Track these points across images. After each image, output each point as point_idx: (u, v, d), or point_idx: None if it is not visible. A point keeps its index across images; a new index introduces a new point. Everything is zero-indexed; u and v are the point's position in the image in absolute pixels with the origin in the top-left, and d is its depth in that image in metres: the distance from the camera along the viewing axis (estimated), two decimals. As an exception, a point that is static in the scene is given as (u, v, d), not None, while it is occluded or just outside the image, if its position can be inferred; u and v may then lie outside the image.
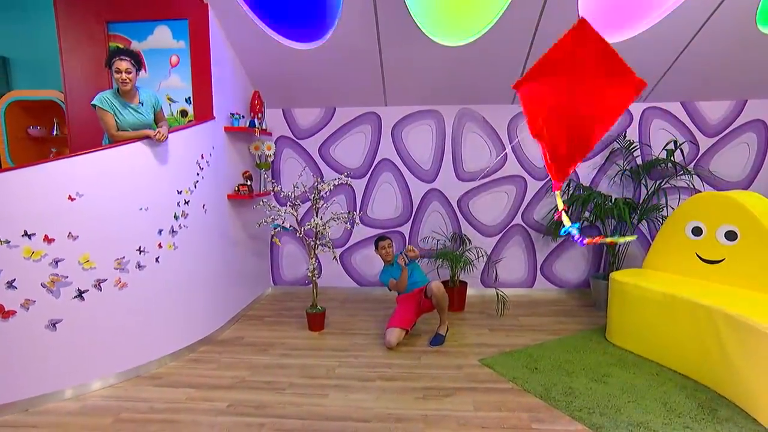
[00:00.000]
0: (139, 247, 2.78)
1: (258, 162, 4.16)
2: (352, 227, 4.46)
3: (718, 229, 2.97)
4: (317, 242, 3.57)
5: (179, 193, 3.05)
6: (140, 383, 2.74)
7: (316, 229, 3.51)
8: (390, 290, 3.53)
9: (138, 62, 2.77)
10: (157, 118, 2.96)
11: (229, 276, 3.71)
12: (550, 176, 1.65)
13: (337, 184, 3.52)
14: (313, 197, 3.50)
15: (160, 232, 2.91)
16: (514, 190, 4.38)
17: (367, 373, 2.87)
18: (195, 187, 3.19)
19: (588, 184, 4.25)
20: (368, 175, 4.45)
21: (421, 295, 3.37)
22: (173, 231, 3.01)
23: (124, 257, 2.70)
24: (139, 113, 2.84)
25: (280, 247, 4.62)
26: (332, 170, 4.43)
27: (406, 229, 4.50)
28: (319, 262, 4.60)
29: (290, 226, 3.47)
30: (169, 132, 2.90)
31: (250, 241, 4.10)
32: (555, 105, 1.59)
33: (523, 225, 4.42)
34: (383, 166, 4.43)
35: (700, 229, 3.08)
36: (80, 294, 2.53)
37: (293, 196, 3.52)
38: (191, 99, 3.44)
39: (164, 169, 2.92)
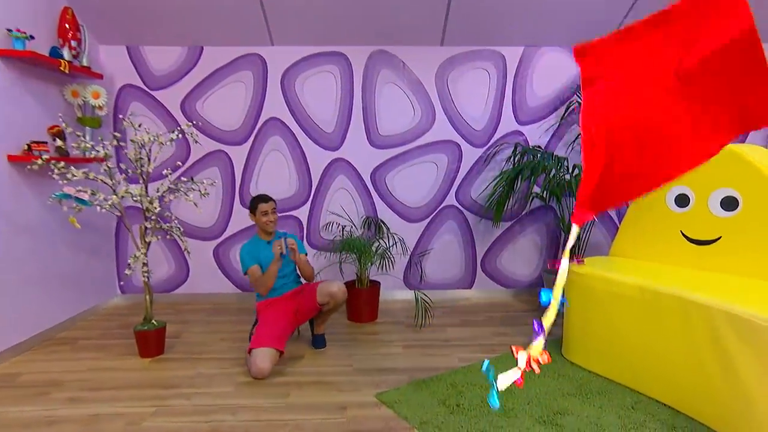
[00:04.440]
0: None
1: (81, 116, 2.92)
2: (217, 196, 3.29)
3: (712, 195, 2.12)
4: (153, 225, 2.39)
5: None
6: None
7: (142, 204, 2.34)
8: (251, 286, 2.52)
9: None
10: None
11: (14, 282, 2.44)
12: (575, 202, 1.05)
13: (169, 138, 2.34)
14: (133, 156, 2.31)
15: None
16: (445, 159, 3.38)
17: (194, 425, 1.75)
18: None
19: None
20: (251, 140, 3.31)
21: (303, 299, 2.36)
22: None
23: None
24: None
25: (130, 243, 3.37)
26: (201, 133, 3.26)
27: (303, 213, 3.39)
28: (184, 259, 3.40)
29: (89, 198, 2.24)
30: None
31: (68, 230, 2.83)
32: (643, 92, 0.99)
33: (458, 206, 3.43)
34: (271, 128, 3.31)
35: (687, 197, 2.20)
36: None
37: (100, 153, 2.28)
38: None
39: None
